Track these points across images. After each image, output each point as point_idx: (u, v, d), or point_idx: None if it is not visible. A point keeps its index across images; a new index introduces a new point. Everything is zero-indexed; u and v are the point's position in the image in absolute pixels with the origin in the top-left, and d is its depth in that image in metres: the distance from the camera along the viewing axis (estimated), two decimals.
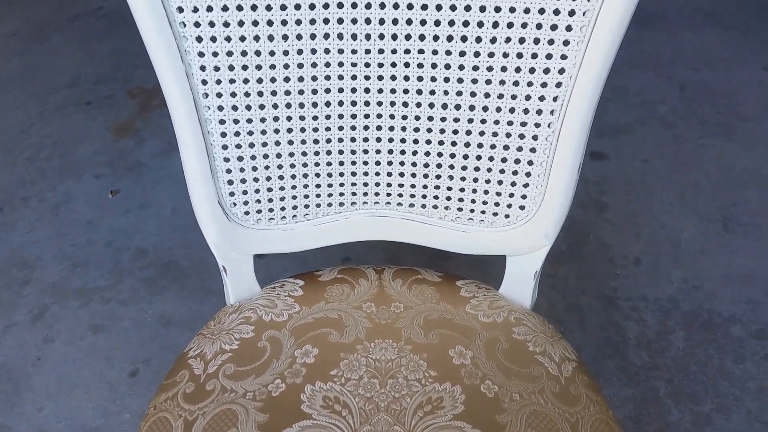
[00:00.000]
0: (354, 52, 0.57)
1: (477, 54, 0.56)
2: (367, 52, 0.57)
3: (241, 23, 0.53)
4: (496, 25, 0.54)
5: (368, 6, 0.54)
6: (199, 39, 0.54)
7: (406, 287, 0.68)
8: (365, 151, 0.63)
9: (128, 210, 1.49)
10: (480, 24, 0.54)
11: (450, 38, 0.55)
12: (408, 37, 0.56)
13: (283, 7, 0.53)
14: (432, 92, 0.59)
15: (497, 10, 0.53)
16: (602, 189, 1.50)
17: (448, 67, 0.57)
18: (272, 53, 0.56)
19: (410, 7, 0.54)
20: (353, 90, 0.59)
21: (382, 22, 0.55)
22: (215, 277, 1.31)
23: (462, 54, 0.56)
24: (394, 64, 0.57)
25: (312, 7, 0.54)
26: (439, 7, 0.54)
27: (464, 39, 0.55)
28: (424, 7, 0.54)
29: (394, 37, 0.56)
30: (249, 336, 0.62)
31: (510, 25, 0.54)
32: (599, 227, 1.41)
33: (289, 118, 0.60)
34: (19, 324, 1.26)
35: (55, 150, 1.67)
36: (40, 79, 1.92)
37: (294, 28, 0.55)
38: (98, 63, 1.98)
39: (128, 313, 1.27)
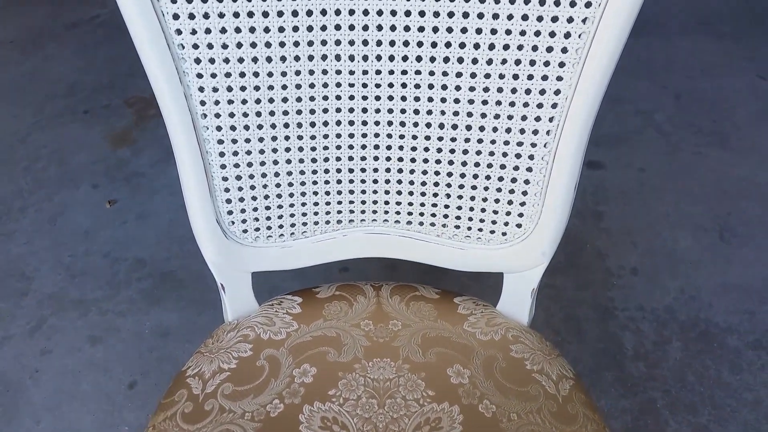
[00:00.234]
0: (351, 72, 0.57)
1: (473, 75, 0.56)
2: (365, 73, 0.57)
3: (239, 45, 0.54)
4: (492, 47, 0.54)
5: (365, 28, 0.55)
6: (198, 61, 0.54)
7: (403, 304, 0.68)
8: (363, 170, 0.64)
9: (125, 220, 1.49)
10: (476, 46, 0.54)
11: (447, 59, 0.55)
12: (405, 58, 0.56)
13: (281, 29, 0.54)
14: (429, 112, 0.59)
15: (493, 32, 0.53)
16: (599, 198, 1.51)
17: (444, 87, 0.57)
18: (270, 74, 0.56)
19: (407, 29, 0.54)
20: (351, 110, 0.59)
21: (379, 43, 0.55)
22: (213, 288, 1.31)
23: (458, 75, 0.56)
24: (391, 85, 0.58)
25: (310, 29, 0.54)
26: (435, 29, 0.54)
27: (461, 60, 0.55)
28: (421, 29, 0.54)
29: (391, 58, 0.56)
30: (247, 355, 0.62)
31: (506, 47, 0.54)
32: (596, 237, 1.41)
33: (287, 138, 0.60)
34: (17, 336, 1.25)
35: (53, 159, 1.67)
36: (36, 88, 1.92)
37: (292, 49, 0.55)
38: (95, 71, 1.98)
39: (126, 324, 1.27)
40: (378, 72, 0.57)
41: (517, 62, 0.55)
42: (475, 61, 0.55)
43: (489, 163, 0.61)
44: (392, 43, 0.55)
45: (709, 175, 1.57)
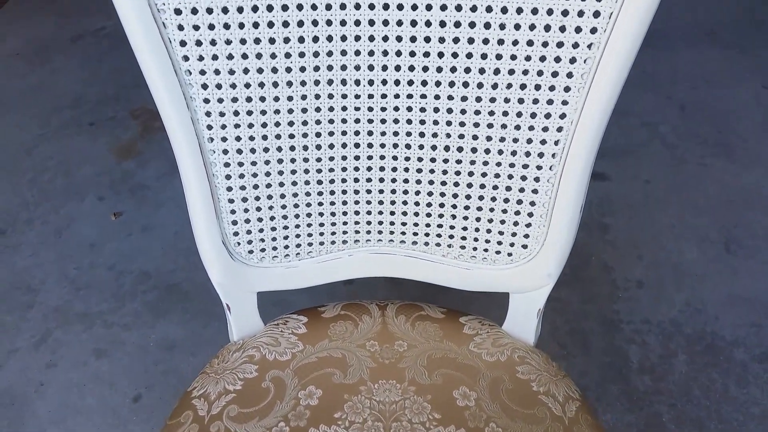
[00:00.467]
0: (357, 96, 0.57)
1: (479, 99, 0.56)
2: (371, 96, 0.57)
3: (245, 71, 0.54)
4: (497, 71, 0.54)
5: (371, 53, 0.55)
6: (205, 86, 0.54)
7: (409, 324, 0.68)
8: (368, 191, 0.64)
9: (131, 233, 1.50)
10: (482, 71, 0.54)
11: (452, 84, 0.56)
12: (410, 82, 0.56)
13: (287, 55, 0.54)
14: (434, 135, 0.59)
15: (498, 57, 0.53)
16: (604, 210, 1.51)
17: (450, 111, 0.57)
18: (276, 98, 0.56)
19: (413, 54, 0.55)
20: (356, 133, 0.60)
21: (385, 68, 0.56)
22: (218, 301, 1.31)
23: (464, 99, 0.56)
24: (397, 108, 0.58)
25: (316, 54, 0.54)
26: (441, 55, 0.54)
27: (466, 85, 0.55)
28: (426, 54, 0.54)
29: (397, 82, 0.56)
30: (253, 376, 0.63)
31: (511, 72, 0.54)
32: (602, 249, 1.41)
33: (293, 160, 0.60)
34: (23, 349, 1.26)
35: (58, 171, 1.68)
36: (42, 100, 1.94)
37: (298, 75, 0.55)
38: (101, 83, 1.99)
39: (131, 337, 1.27)
40: (384, 96, 0.57)
41: (522, 87, 0.55)
42: (480, 85, 0.55)
43: (495, 185, 0.61)
44: (398, 68, 0.56)
45: (714, 186, 1.57)
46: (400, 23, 0.53)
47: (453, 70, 0.55)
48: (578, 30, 0.51)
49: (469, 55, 0.54)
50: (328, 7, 0.52)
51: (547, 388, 0.62)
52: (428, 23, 0.53)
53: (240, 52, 0.53)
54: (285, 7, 0.52)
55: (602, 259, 1.39)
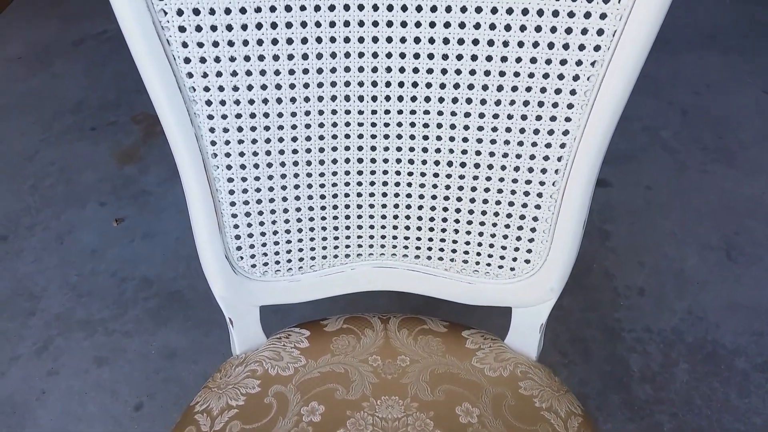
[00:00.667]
0: (360, 112, 0.57)
1: (482, 115, 0.56)
2: (374, 112, 0.57)
3: (249, 87, 0.54)
4: (500, 88, 0.54)
5: (374, 70, 0.55)
6: (208, 103, 0.54)
7: (411, 338, 0.68)
8: (371, 205, 0.64)
9: (133, 239, 1.50)
10: (485, 87, 0.54)
11: (455, 100, 0.56)
12: (414, 99, 0.56)
13: (292, 72, 0.54)
14: (437, 150, 0.59)
15: (502, 74, 0.53)
16: (606, 217, 1.51)
17: (453, 127, 0.57)
18: (280, 115, 0.56)
19: (416, 71, 0.55)
20: (359, 148, 0.60)
21: (388, 84, 0.56)
22: (219, 308, 1.31)
23: (467, 115, 0.56)
24: (400, 124, 0.58)
25: (320, 71, 0.54)
26: (444, 71, 0.54)
27: (469, 101, 0.56)
28: (430, 71, 0.54)
29: (400, 98, 0.56)
30: (255, 391, 0.63)
31: (515, 89, 0.54)
32: (603, 256, 1.41)
33: (296, 175, 0.60)
34: (24, 356, 1.26)
35: (60, 177, 1.68)
36: (44, 105, 1.94)
37: (302, 91, 0.55)
38: (102, 88, 2.00)
39: (132, 345, 1.27)
40: (387, 111, 0.57)
41: (526, 103, 0.55)
42: (483, 101, 0.55)
43: (498, 200, 0.61)
44: (401, 84, 0.56)
45: (715, 193, 1.57)
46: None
47: (456, 86, 0.55)
48: (581, 48, 0.51)
49: (473, 72, 0.54)
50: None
51: (549, 404, 0.62)
52: (432, 40, 0.53)
53: (243, 69, 0.53)
54: (289, 31, 0.52)
55: (604, 267, 1.39)
